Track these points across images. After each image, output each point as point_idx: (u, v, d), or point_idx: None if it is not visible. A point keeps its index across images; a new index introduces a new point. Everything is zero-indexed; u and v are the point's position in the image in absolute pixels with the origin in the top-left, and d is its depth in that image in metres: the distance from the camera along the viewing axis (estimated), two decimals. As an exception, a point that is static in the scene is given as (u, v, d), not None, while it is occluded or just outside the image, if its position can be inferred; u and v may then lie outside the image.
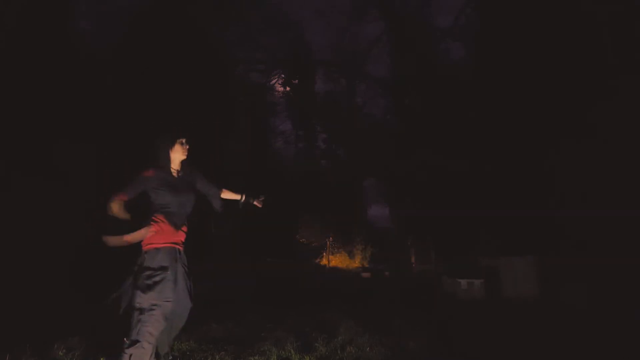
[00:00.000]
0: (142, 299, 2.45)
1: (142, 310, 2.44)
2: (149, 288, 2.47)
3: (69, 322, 4.13)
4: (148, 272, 2.52)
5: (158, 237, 2.63)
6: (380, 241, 17.98)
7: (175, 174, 2.83)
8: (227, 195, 3.19)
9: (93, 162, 8.24)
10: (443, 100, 13.34)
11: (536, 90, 8.94)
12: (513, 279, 7.06)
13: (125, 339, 2.43)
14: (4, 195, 6.81)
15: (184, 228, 2.78)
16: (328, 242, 17.15)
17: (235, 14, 14.43)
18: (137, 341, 2.40)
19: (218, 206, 3.12)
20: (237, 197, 3.21)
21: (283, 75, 20.99)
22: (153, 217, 2.66)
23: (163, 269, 2.55)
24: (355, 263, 16.64)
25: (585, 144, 7.83)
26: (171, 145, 2.80)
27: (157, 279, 2.51)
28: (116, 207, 2.53)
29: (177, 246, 2.71)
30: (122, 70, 9.54)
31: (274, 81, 20.99)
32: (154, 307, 2.45)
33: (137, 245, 2.65)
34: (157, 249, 2.59)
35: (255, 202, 3.21)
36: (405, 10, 16.20)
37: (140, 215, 2.67)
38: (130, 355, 2.38)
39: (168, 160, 2.79)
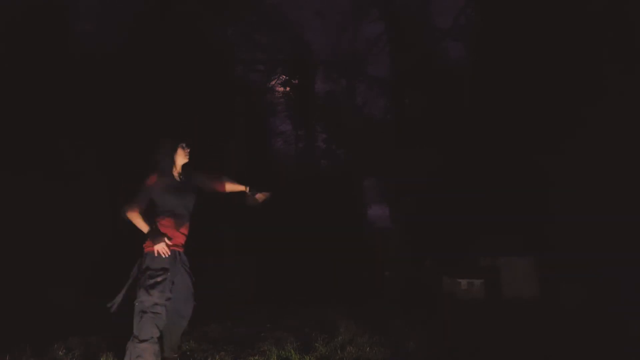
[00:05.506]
0: (146, 298, 2.53)
1: (145, 309, 2.51)
2: (152, 287, 2.54)
3: (69, 322, 4.13)
4: (150, 272, 2.59)
5: None
6: (380, 241, 17.95)
7: (178, 178, 2.88)
8: (231, 187, 3.04)
9: (94, 162, 8.26)
10: (442, 100, 13.33)
11: (535, 90, 8.93)
12: (513, 279, 7.06)
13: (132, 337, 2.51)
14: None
15: (185, 230, 2.84)
16: (327, 242, 17.12)
17: (235, 14, 14.42)
18: (140, 339, 2.46)
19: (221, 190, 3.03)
20: (241, 188, 3.04)
21: (283, 76, 20.97)
22: (158, 220, 2.72)
23: (164, 270, 2.61)
24: (355, 263, 16.61)
25: (585, 144, 7.82)
26: (174, 150, 2.86)
27: (159, 279, 2.58)
28: (136, 219, 2.64)
29: (177, 248, 2.77)
30: (122, 70, 9.53)
31: (274, 81, 20.97)
32: (156, 306, 2.53)
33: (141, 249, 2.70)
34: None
35: (259, 195, 3.02)
36: (405, 10, 16.19)
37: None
38: (134, 354, 2.45)
39: (171, 164, 2.86)
